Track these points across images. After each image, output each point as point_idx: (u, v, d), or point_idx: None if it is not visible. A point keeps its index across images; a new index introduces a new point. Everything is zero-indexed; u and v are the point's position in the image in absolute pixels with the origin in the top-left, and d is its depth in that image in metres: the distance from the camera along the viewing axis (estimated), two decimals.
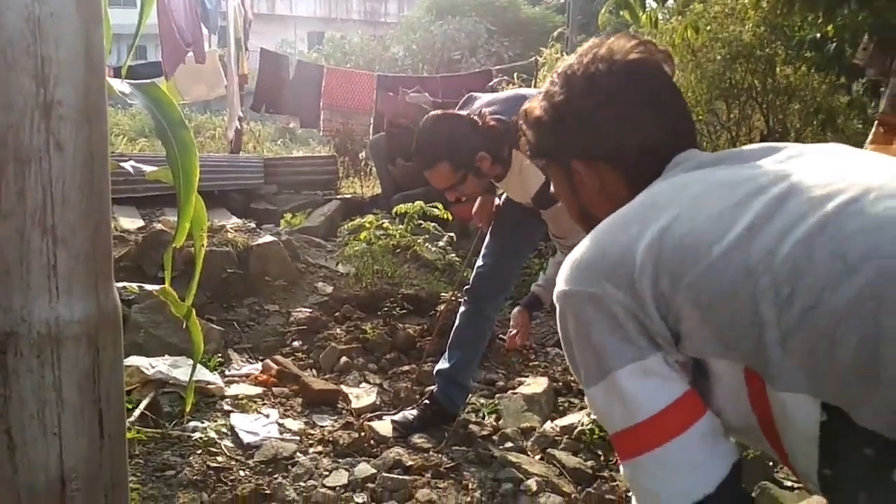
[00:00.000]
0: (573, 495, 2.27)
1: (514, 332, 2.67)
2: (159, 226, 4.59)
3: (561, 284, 0.90)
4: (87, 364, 0.82)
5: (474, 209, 2.83)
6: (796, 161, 0.87)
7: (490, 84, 7.37)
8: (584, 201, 1.04)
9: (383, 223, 4.24)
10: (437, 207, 4.01)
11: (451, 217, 4.20)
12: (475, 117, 2.33)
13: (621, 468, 0.89)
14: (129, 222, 5.39)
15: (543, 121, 1.03)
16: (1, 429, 0.79)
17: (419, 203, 4.01)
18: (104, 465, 0.85)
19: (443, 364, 2.80)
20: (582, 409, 2.96)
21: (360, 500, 2.24)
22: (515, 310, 2.70)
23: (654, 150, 0.96)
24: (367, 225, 4.24)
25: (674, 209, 0.85)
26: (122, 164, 2.23)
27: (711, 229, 0.81)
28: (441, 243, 4.27)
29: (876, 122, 3.17)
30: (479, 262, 2.77)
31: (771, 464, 2.34)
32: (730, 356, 0.81)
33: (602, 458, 2.54)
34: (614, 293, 0.83)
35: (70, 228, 0.81)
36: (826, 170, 0.83)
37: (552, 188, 1.13)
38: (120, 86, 1.62)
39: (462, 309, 2.81)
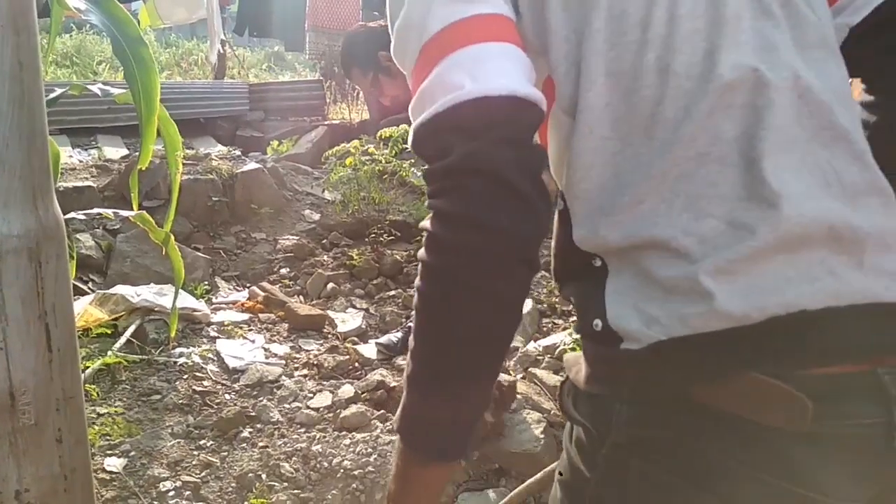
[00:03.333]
0: (552, 412, 2.31)
1: None
2: None
3: None
4: (30, 278, 0.81)
5: None
6: None
7: None
8: None
9: (368, 148, 4.18)
10: None
11: None
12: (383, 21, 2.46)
13: (412, 119, 0.73)
14: (114, 151, 5.31)
15: None
16: None
17: (403, 126, 3.93)
18: (54, 379, 0.85)
19: None
20: (565, 329, 3.00)
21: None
22: None
23: None
24: (353, 150, 4.18)
25: None
26: (89, 87, 2.18)
27: None
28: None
29: None
30: None
31: None
32: (542, 57, 0.75)
33: None
34: None
35: (3, 142, 0.78)
36: None
37: None
38: (75, 2, 1.56)
39: None
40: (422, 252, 0.69)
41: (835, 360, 0.64)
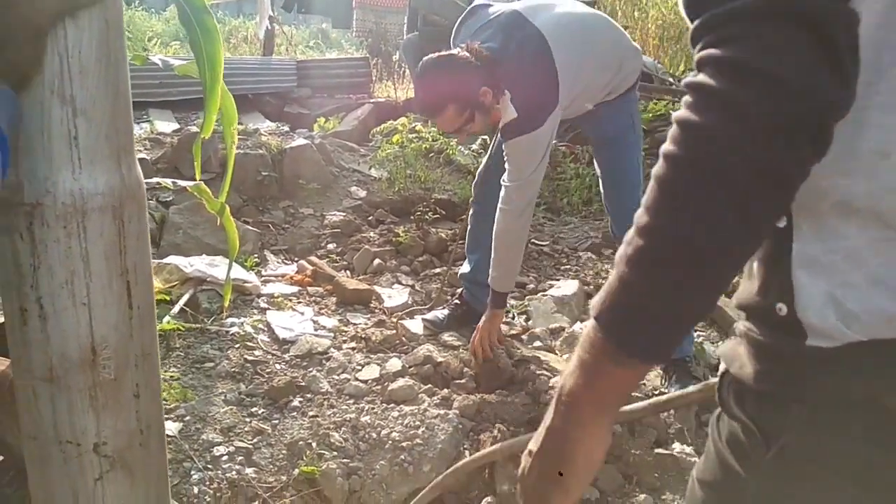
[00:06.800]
0: None
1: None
2: (195, 128, 4.60)
3: None
4: (113, 236, 0.83)
5: None
6: None
7: None
8: None
9: (416, 126, 4.18)
10: None
11: None
12: (466, 53, 2.25)
13: None
14: (165, 125, 5.41)
15: None
16: (33, 298, 0.81)
17: None
18: (134, 336, 0.87)
19: (465, 268, 2.81)
20: None
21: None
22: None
23: None
24: (400, 128, 4.19)
25: None
26: (150, 57, 2.22)
27: None
28: (474, 146, 4.20)
29: None
30: (486, 157, 2.70)
31: None
32: None
33: None
34: None
35: (90, 99, 0.80)
36: None
37: None
38: None
39: (471, 211, 2.78)
40: (681, 112, 0.59)
41: None
